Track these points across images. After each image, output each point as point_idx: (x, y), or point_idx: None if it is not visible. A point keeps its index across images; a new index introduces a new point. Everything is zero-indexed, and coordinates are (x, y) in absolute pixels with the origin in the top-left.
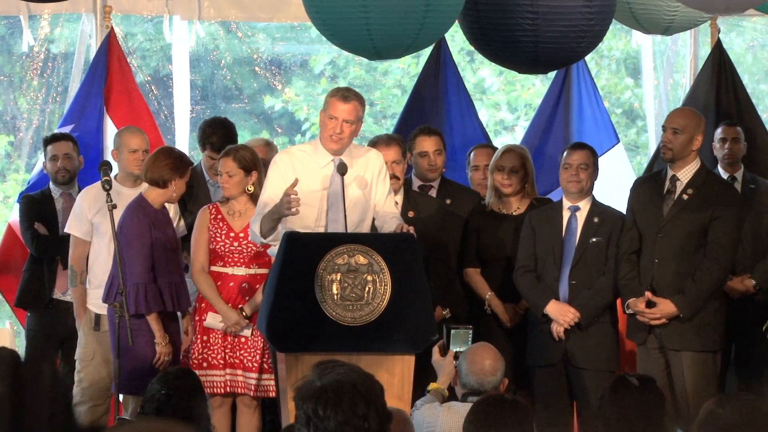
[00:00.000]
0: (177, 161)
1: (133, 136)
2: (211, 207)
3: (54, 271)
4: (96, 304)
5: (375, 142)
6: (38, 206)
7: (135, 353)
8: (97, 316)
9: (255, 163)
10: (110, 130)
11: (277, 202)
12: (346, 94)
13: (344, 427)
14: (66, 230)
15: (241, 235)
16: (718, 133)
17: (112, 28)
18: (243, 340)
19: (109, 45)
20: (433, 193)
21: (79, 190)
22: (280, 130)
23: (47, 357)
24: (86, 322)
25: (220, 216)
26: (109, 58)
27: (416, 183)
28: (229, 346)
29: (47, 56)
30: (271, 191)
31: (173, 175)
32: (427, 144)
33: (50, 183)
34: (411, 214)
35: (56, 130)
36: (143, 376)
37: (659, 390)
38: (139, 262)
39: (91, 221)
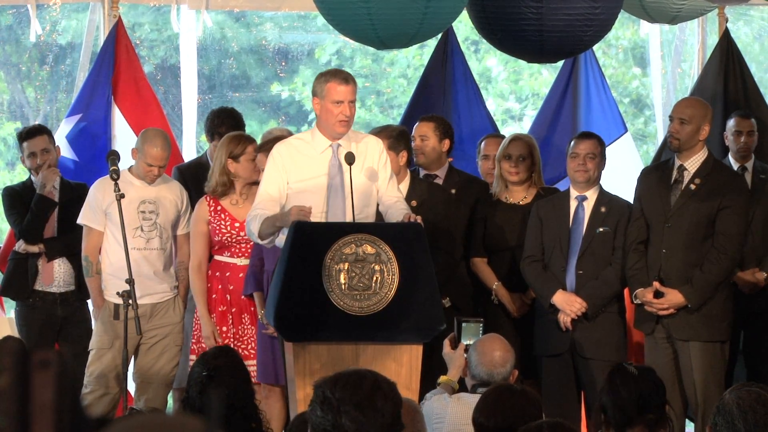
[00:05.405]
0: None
1: (153, 147)
2: (208, 199)
3: (35, 263)
4: (113, 294)
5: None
6: (20, 198)
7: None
8: (116, 306)
9: None
10: (118, 119)
11: (284, 212)
12: (344, 75)
13: (364, 411)
14: (80, 221)
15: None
16: (732, 124)
17: (119, 17)
18: (242, 331)
19: (117, 34)
20: (438, 182)
21: (61, 181)
22: (284, 118)
23: (51, 347)
24: (105, 312)
25: (219, 207)
26: (116, 47)
27: (422, 172)
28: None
29: (55, 46)
30: (268, 186)
31: None
32: (418, 129)
33: (31, 176)
34: (413, 203)
35: (64, 120)
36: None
37: (659, 379)
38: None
39: (105, 211)
